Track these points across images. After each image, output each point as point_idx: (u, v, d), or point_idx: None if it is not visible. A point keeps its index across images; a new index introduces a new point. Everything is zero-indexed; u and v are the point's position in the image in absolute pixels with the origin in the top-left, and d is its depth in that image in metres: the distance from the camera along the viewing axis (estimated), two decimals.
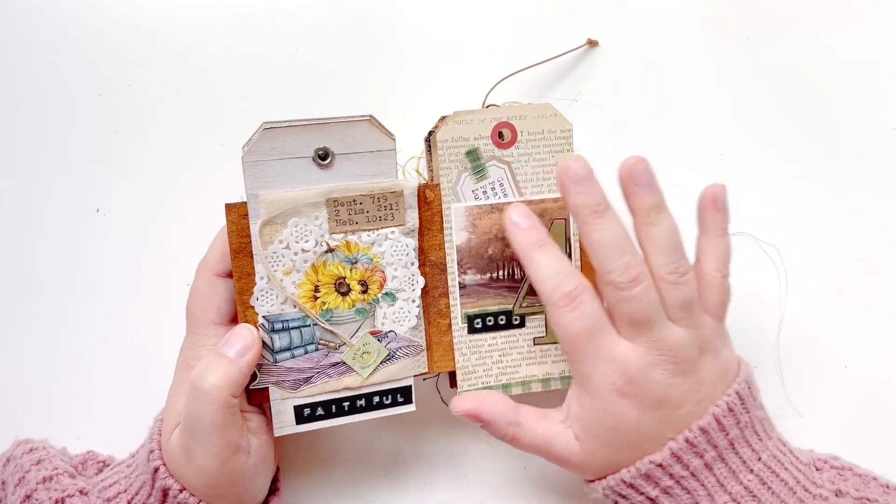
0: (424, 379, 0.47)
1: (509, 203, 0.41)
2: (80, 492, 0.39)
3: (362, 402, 0.41)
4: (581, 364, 0.38)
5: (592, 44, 0.48)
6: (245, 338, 0.38)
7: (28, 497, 0.39)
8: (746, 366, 0.41)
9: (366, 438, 0.48)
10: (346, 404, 0.41)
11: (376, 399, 0.41)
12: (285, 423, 0.40)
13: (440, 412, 0.48)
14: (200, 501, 0.38)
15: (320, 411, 0.40)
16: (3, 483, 0.41)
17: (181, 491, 0.38)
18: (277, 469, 0.44)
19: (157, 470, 0.38)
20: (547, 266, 0.38)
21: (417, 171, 0.45)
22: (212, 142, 0.48)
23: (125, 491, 0.40)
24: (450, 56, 0.49)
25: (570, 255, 0.43)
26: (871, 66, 0.50)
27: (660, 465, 0.38)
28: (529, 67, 0.47)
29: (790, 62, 0.49)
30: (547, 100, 0.48)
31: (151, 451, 0.39)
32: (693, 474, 0.38)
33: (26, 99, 0.48)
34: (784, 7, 0.49)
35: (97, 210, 0.48)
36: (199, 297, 0.40)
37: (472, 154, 0.41)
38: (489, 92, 0.45)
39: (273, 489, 0.43)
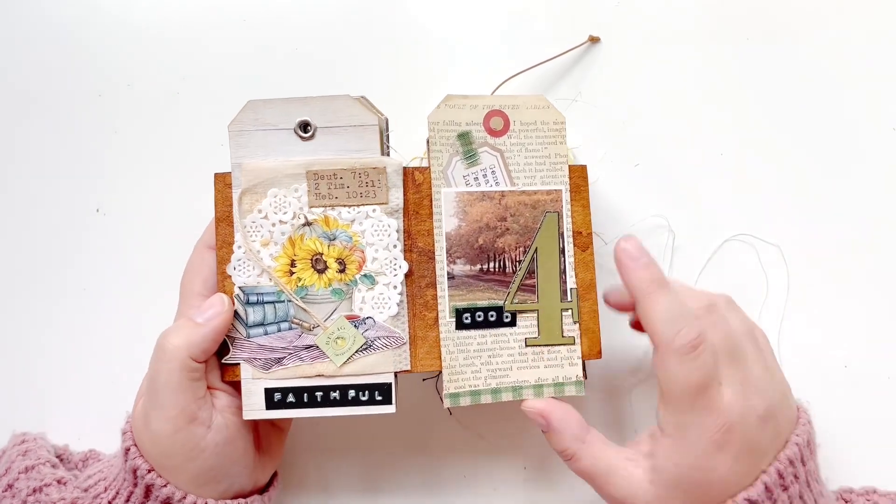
0: (424, 379, 0.45)
1: (503, 192, 0.40)
2: (58, 481, 0.40)
3: (336, 394, 0.39)
4: (684, 414, 0.35)
5: (594, 40, 0.48)
6: (215, 305, 0.38)
7: (10, 486, 0.40)
8: (804, 410, 0.39)
9: (364, 437, 0.46)
10: (318, 394, 0.39)
11: (352, 393, 0.39)
12: (255, 405, 0.38)
13: (439, 412, 0.46)
14: (168, 483, 0.37)
15: (291, 398, 0.39)
16: None
17: (149, 471, 0.37)
18: (276, 474, 0.43)
19: (128, 450, 0.38)
20: (668, 309, 0.36)
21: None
22: (212, 141, 0.48)
23: (105, 478, 0.40)
24: (450, 56, 0.49)
25: (563, 251, 0.40)
26: (870, 66, 0.48)
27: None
28: (532, 67, 0.46)
29: (790, 62, 0.48)
30: (548, 99, 0.47)
31: (124, 433, 0.39)
32: None
33: (26, 99, 0.49)
34: (784, 7, 0.48)
35: (97, 210, 0.49)
36: (188, 268, 0.41)
37: (465, 137, 0.40)
38: (493, 92, 0.44)
39: (265, 489, 0.42)
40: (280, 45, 0.49)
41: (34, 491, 0.39)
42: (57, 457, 0.44)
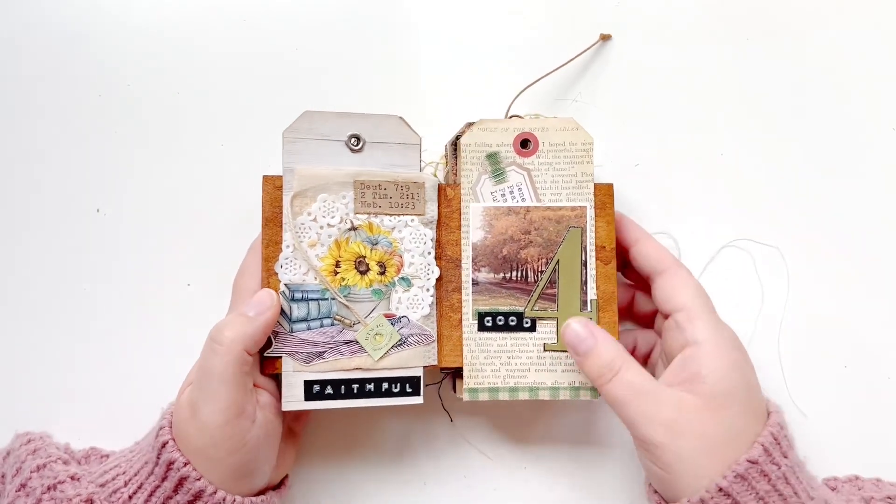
0: (427, 385, 0.48)
1: (528, 207, 0.44)
2: (72, 478, 0.40)
3: (371, 386, 0.42)
4: (713, 315, 0.41)
5: (605, 38, 0.50)
6: (264, 300, 0.40)
7: (23, 486, 0.40)
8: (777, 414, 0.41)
9: (365, 438, 0.48)
10: (355, 386, 0.42)
11: (385, 385, 0.42)
12: (294, 397, 0.41)
13: (440, 413, 0.48)
14: (202, 477, 0.38)
15: (329, 390, 0.41)
16: (2, 476, 0.42)
17: (186, 464, 0.38)
18: (286, 476, 0.45)
19: (165, 444, 0.38)
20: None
21: (435, 176, 0.48)
22: (212, 141, 0.49)
23: (124, 472, 0.40)
24: (449, 56, 0.50)
25: (585, 263, 0.44)
26: (870, 66, 0.50)
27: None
28: (548, 74, 0.48)
29: (790, 62, 0.50)
30: (547, 99, 0.50)
31: (161, 428, 0.39)
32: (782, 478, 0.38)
33: (27, 99, 0.49)
34: (784, 7, 0.51)
35: (97, 210, 0.49)
36: (244, 269, 0.43)
37: (493, 158, 0.44)
38: (511, 103, 0.47)
39: (277, 486, 0.43)
40: (280, 45, 0.50)
41: (48, 489, 0.39)
42: None
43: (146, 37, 0.50)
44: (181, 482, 0.38)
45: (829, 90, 0.51)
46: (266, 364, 0.41)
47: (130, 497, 0.39)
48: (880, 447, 0.48)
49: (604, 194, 0.45)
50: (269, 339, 0.41)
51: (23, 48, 0.49)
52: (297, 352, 0.41)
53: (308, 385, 0.41)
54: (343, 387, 0.41)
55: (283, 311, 0.41)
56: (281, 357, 0.41)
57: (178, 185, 0.49)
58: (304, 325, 0.41)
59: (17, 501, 0.39)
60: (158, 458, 0.38)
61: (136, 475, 0.39)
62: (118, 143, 0.49)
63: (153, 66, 0.50)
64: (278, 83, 0.50)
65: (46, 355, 0.48)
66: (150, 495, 0.38)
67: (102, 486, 0.39)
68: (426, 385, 0.48)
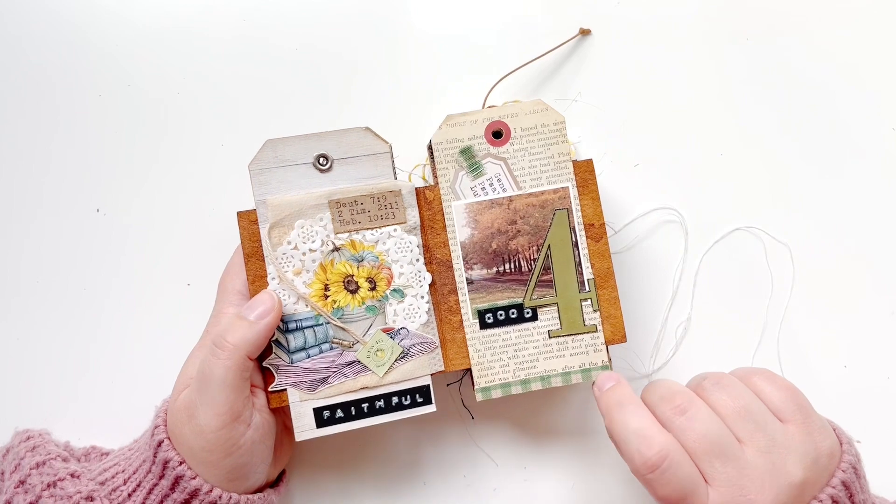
0: (448, 384, 0.48)
1: (510, 197, 0.43)
2: (72, 475, 0.40)
3: (381, 403, 0.41)
4: None
5: (585, 33, 0.49)
6: (265, 302, 0.39)
7: (22, 483, 0.40)
8: (849, 446, 0.39)
9: (365, 439, 0.48)
10: (365, 406, 0.41)
11: (395, 400, 0.42)
12: (306, 426, 0.41)
13: (439, 413, 0.48)
14: (197, 476, 0.38)
15: (340, 413, 0.41)
16: (1, 473, 0.42)
17: (181, 464, 0.38)
18: (284, 471, 0.45)
19: (160, 444, 0.39)
20: (625, 428, 0.38)
21: (424, 178, 0.47)
22: (212, 141, 0.49)
23: (123, 471, 0.40)
24: (450, 55, 0.50)
25: (576, 245, 0.43)
26: (870, 66, 0.50)
27: None
28: (526, 64, 0.48)
29: (790, 62, 0.50)
30: (548, 99, 0.49)
31: (156, 427, 0.40)
32: None
33: (26, 99, 0.49)
34: (784, 7, 0.50)
35: (97, 210, 0.49)
36: (230, 268, 0.43)
37: (466, 152, 0.43)
38: (488, 94, 0.46)
39: (275, 485, 0.44)
40: (280, 44, 0.50)
41: (48, 486, 0.39)
42: None
43: (146, 37, 0.50)
44: (177, 481, 0.38)
45: (829, 90, 0.50)
46: (272, 397, 0.41)
47: (130, 495, 0.39)
48: (880, 447, 0.47)
49: (584, 171, 0.43)
50: (269, 345, 0.40)
51: (23, 48, 0.50)
52: (301, 381, 0.41)
53: (318, 412, 0.41)
54: (353, 408, 0.41)
55: (280, 344, 0.41)
56: (286, 389, 0.41)
57: (178, 185, 0.49)
58: (303, 355, 0.41)
59: (17, 498, 0.39)
60: (155, 456, 0.39)
61: (134, 473, 0.40)
62: (118, 143, 0.49)
63: (153, 66, 0.50)
64: (279, 83, 0.50)
65: (46, 354, 0.48)
66: (149, 493, 0.39)
67: (102, 483, 0.40)
68: (447, 385, 0.48)
